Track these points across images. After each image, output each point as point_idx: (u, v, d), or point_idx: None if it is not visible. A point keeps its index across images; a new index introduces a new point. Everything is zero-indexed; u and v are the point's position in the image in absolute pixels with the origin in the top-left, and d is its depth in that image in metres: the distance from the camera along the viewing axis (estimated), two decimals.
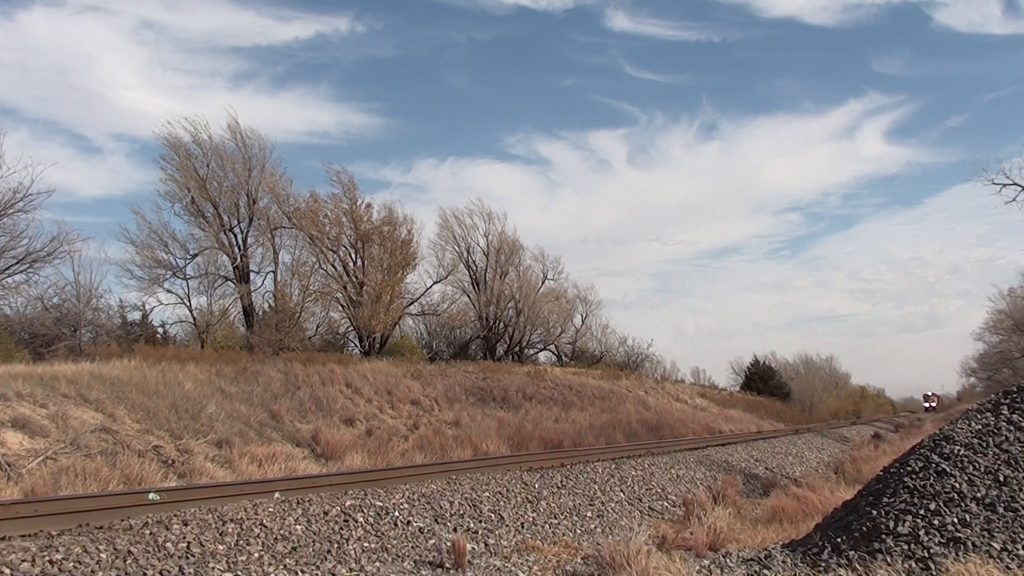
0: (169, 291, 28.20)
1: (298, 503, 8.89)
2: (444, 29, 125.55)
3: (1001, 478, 7.26)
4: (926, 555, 6.55)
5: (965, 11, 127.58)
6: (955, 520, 6.85)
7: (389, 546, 8.39)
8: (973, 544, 6.53)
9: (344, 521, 8.66)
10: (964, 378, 75.58)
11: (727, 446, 22.96)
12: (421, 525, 9.27)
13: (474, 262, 43.21)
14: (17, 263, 21.82)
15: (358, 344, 34.55)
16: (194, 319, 28.54)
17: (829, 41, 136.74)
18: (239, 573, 6.80)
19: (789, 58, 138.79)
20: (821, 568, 6.90)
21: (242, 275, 29.16)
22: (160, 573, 6.41)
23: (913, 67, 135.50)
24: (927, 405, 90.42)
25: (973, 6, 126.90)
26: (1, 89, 74.85)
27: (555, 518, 11.17)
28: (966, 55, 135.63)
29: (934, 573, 6.33)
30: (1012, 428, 8.00)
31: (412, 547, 8.52)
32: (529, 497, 11.57)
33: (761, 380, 66.15)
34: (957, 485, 7.29)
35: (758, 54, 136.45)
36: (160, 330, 28.77)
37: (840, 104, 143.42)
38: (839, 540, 7.27)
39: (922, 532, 6.81)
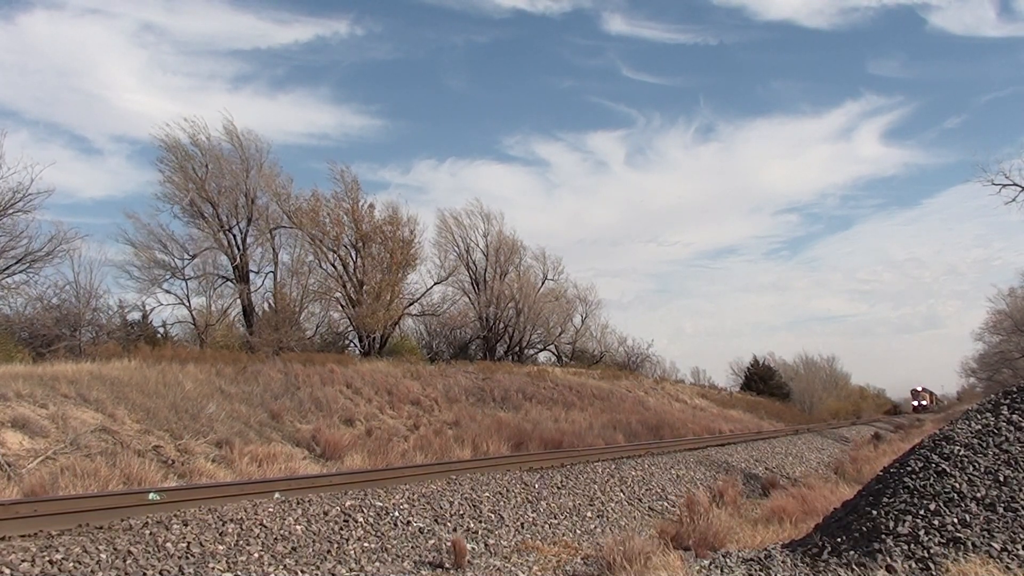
0: (168, 292, 28.21)
1: (298, 503, 8.89)
2: (443, 32, 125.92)
3: (1001, 478, 7.26)
4: (926, 555, 6.55)
5: (960, 14, 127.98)
6: (955, 520, 6.85)
7: (389, 546, 8.39)
8: (973, 544, 6.53)
9: (344, 521, 8.65)
10: (964, 378, 74.86)
11: (727, 446, 22.96)
12: (421, 525, 9.26)
13: (473, 262, 43.25)
14: (17, 263, 21.81)
15: (358, 344, 34.55)
16: (194, 319, 28.53)
17: (825, 44, 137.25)
18: (239, 573, 6.79)
19: (785, 60, 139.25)
20: (821, 568, 6.89)
21: (241, 275, 29.14)
22: (160, 573, 6.41)
23: (909, 69, 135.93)
24: (916, 403, 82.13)
25: (968, 9, 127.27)
26: (2, 91, 74.91)
27: (555, 518, 11.17)
28: (961, 57, 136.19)
29: (934, 573, 6.33)
30: (1012, 428, 8.00)
31: (412, 547, 8.52)
32: (529, 497, 11.57)
33: (761, 380, 66.18)
34: (957, 485, 7.28)
35: (755, 57, 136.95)
36: (160, 330, 28.76)
37: (837, 106, 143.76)
38: (839, 540, 7.26)
39: (922, 532, 6.81)
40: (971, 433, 8.13)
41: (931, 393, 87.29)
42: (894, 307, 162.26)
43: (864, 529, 7.19)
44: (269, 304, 30.29)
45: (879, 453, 24.16)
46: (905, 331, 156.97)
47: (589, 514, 11.94)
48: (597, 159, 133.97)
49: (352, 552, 7.95)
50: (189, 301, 28.47)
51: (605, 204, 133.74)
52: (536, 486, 12.21)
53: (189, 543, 7.12)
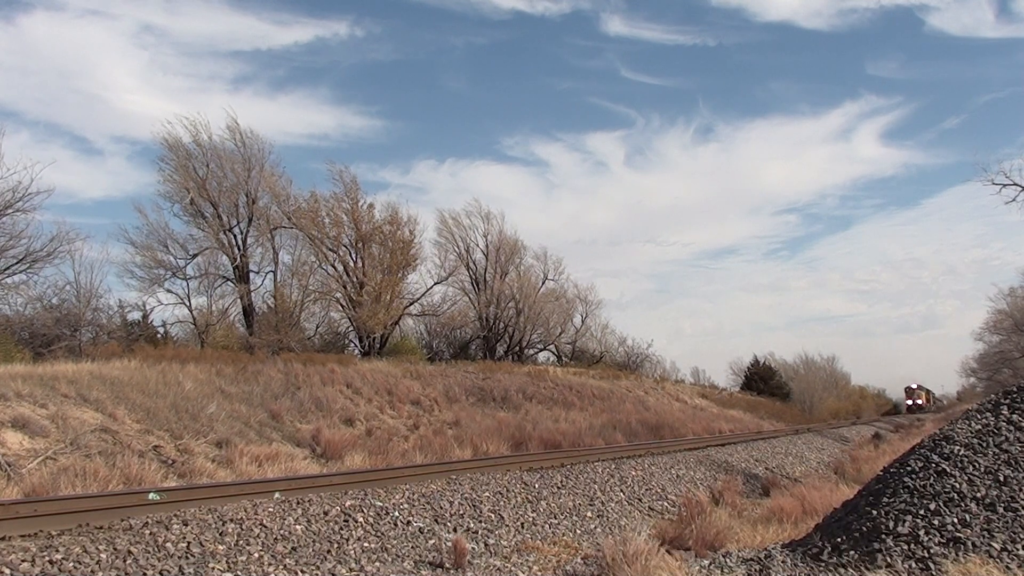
0: (169, 291, 28.26)
1: (298, 503, 8.89)
2: (442, 33, 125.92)
3: (1001, 478, 7.26)
4: (926, 555, 6.55)
5: (958, 15, 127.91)
6: (955, 520, 6.85)
7: (389, 546, 8.39)
8: (973, 544, 6.53)
9: (344, 521, 8.65)
10: (964, 378, 74.67)
11: (727, 446, 22.95)
12: (421, 525, 9.26)
13: (473, 262, 43.28)
14: (17, 263, 21.80)
15: (358, 344, 34.56)
16: (194, 319, 28.55)
17: (824, 45, 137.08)
18: (239, 573, 6.79)
19: (784, 61, 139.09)
20: (821, 568, 6.90)
21: (242, 275, 29.16)
22: (160, 573, 6.41)
23: (908, 70, 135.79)
24: (911, 403, 78.43)
25: (966, 10, 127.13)
26: (2, 92, 74.92)
27: (555, 518, 11.17)
28: (960, 58, 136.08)
29: (934, 573, 6.33)
30: (1012, 428, 8.00)
31: (412, 547, 8.52)
32: (529, 497, 11.57)
33: (761, 380, 66.18)
34: (957, 485, 7.28)
35: (753, 58, 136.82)
36: (160, 330, 28.77)
37: (836, 106, 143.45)
38: (839, 540, 7.26)
39: (922, 532, 6.81)
40: (971, 433, 8.13)
41: (927, 391, 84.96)
42: (893, 307, 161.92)
43: (864, 529, 7.19)
44: (269, 304, 30.31)
45: (879, 453, 24.16)
46: (905, 331, 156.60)
47: (589, 514, 11.94)
48: (596, 160, 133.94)
49: (352, 552, 7.95)
50: (189, 301, 28.55)
51: (604, 204, 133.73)
52: (536, 486, 12.21)
53: (189, 543, 7.12)
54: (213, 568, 6.75)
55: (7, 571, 5.95)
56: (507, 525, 10.18)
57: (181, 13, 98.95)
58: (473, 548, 8.82)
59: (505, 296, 42.97)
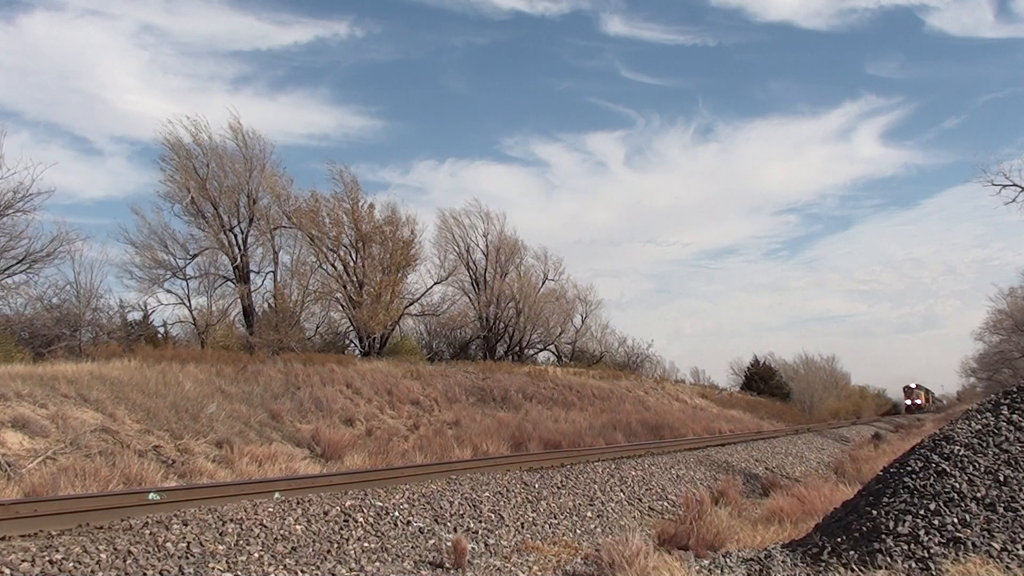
0: (169, 291, 28.26)
1: (298, 503, 8.89)
2: (442, 33, 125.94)
3: (1001, 478, 7.26)
4: (926, 555, 6.55)
5: (957, 15, 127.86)
6: (955, 520, 6.85)
7: (389, 546, 8.39)
8: (973, 544, 6.53)
9: (344, 521, 8.66)
10: (964, 378, 74.62)
11: (727, 446, 22.96)
12: (421, 525, 9.27)
13: (473, 262, 43.27)
14: (17, 263, 21.80)
15: (358, 344, 34.56)
16: (194, 319, 28.55)
17: (823, 45, 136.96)
18: (239, 573, 6.79)
19: (784, 62, 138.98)
20: (821, 568, 6.90)
21: (242, 275, 29.15)
22: (160, 573, 6.41)
23: (907, 70, 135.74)
24: (909, 402, 78.15)
25: (965, 10, 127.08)
26: (2, 92, 74.94)
27: (555, 518, 11.17)
28: (960, 58, 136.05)
29: (934, 573, 6.33)
30: (1012, 428, 8.00)
31: (412, 547, 8.52)
32: (529, 497, 11.57)
33: (761, 380, 66.18)
34: (957, 485, 7.29)
35: (753, 58, 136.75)
36: (160, 330, 28.78)
37: (835, 107, 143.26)
38: (839, 540, 7.27)
39: (922, 532, 6.81)
40: (971, 433, 8.13)
41: (926, 391, 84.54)
42: (893, 307, 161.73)
43: (864, 529, 7.19)
44: (269, 304, 30.32)
45: (879, 453, 24.16)
46: (904, 331, 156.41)
47: (589, 514, 11.94)
48: (596, 160, 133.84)
49: (352, 552, 7.96)
50: (190, 301, 28.55)
51: (604, 204, 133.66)
52: (536, 486, 12.21)
53: (189, 543, 7.12)
54: (213, 568, 6.75)
55: (7, 571, 5.95)
56: (507, 525, 10.18)
57: (181, 13, 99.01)
58: (473, 548, 8.82)
59: (505, 296, 42.97)
